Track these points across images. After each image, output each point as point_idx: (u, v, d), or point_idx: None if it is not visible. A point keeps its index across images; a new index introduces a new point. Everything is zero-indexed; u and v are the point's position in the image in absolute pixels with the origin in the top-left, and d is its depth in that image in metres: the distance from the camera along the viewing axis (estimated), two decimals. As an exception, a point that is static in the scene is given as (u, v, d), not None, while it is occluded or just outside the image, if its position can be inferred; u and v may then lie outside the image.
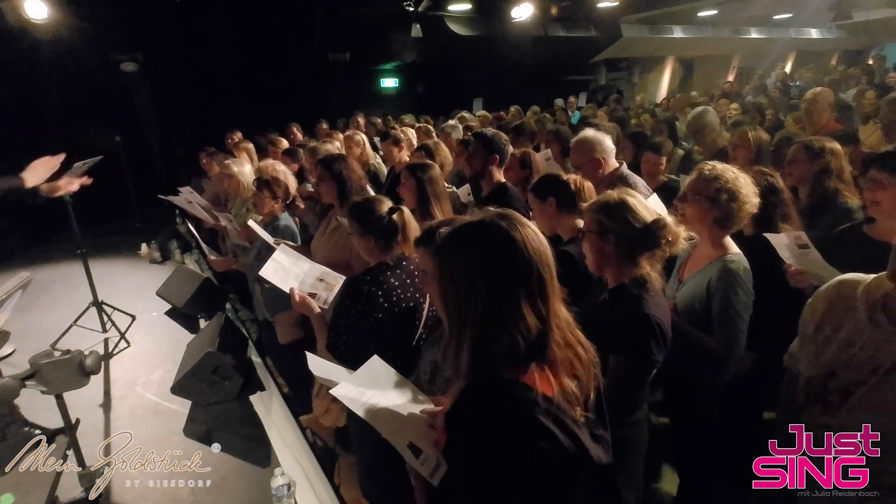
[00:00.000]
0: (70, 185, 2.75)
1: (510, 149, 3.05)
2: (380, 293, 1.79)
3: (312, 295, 2.04)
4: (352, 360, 1.57)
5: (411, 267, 1.90)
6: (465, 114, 6.98)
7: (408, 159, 3.85)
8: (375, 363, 1.42)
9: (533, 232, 1.00)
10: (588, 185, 2.23)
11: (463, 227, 1.01)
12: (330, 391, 1.32)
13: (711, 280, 1.86)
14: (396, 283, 1.84)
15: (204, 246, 3.44)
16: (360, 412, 1.26)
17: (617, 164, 2.80)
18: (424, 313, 1.87)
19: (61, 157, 2.59)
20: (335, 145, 4.17)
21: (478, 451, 0.95)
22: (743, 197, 1.84)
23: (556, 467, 0.94)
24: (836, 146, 2.51)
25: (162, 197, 4.08)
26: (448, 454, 1.09)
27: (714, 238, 1.92)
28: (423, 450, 1.19)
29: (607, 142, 2.78)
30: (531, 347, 0.96)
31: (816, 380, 1.33)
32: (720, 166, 1.89)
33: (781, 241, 2.00)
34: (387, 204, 1.93)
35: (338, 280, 2.11)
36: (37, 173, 2.49)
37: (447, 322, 1.02)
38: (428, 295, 1.87)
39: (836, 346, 1.29)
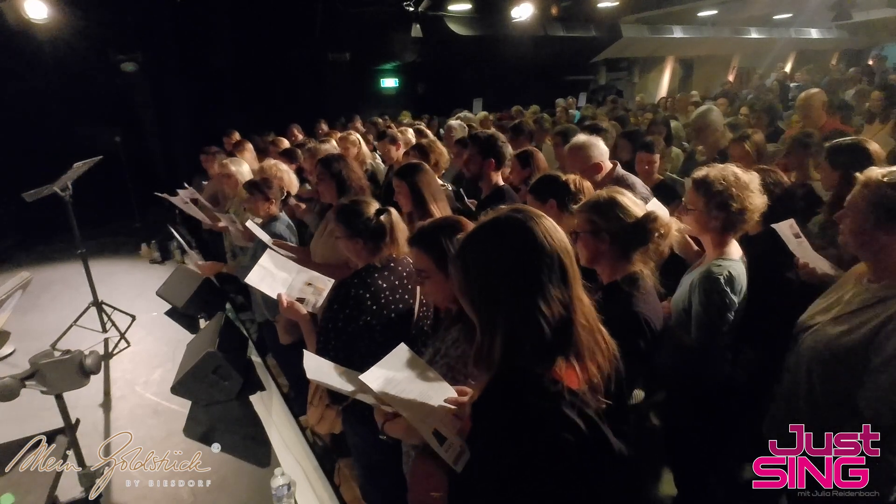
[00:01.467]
0: None
1: (508, 150, 3.03)
2: (367, 296, 1.77)
3: (301, 300, 2.01)
4: (343, 365, 1.56)
5: (400, 268, 1.88)
6: (466, 113, 6.97)
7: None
8: (401, 351, 1.43)
9: (549, 222, 1.04)
10: (588, 185, 2.23)
11: (480, 227, 1.05)
12: (359, 377, 1.32)
13: (693, 281, 1.87)
14: (385, 286, 1.82)
15: (190, 252, 3.43)
16: (388, 399, 1.27)
17: (611, 166, 2.80)
18: (416, 314, 1.85)
19: None
20: (332, 144, 4.17)
21: (502, 441, 0.97)
22: (742, 199, 1.80)
23: (580, 458, 0.96)
24: (876, 147, 2.39)
25: (159, 195, 4.06)
26: (472, 442, 1.11)
27: (717, 241, 1.90)
28: (447, 437, 1.20)
29: (601, 144, 2.78)
30: (557, 334, 0.98)
31: (800, 323, 1.67)
32: (713, 173, 1.84)
33: (785, 232, 2.00)
34: (374, 206, 1.91)
35: (326, 284, 2.08)
36: None
37: (477, 321, 1.04)
38: (419, 296, 1.85)
39: (829, 301, 1.63)
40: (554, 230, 1.03)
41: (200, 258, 3.44)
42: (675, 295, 2.00)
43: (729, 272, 1.82)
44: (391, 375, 1.33)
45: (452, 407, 1.24)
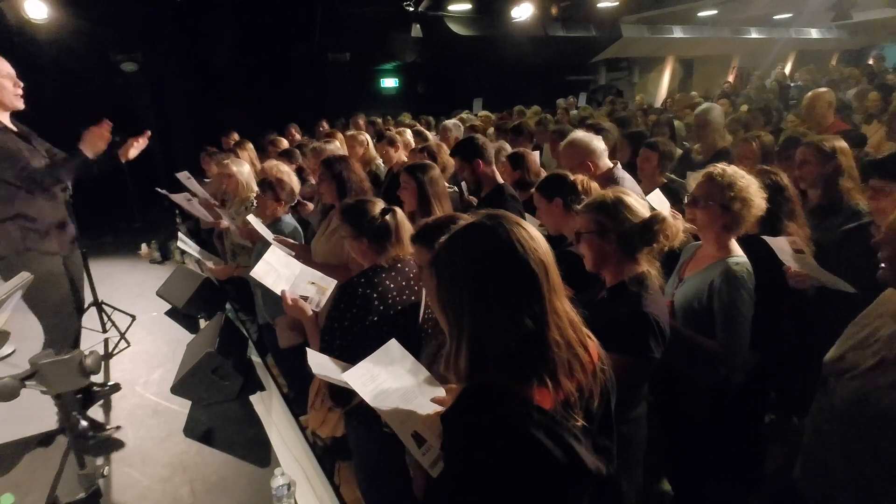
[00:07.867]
0: (134, 146, 2.89)
1: (490, 147, 3.00)
2: (375, 295, 1.77)
3: (304, 298, 2.01)
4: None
5: (406, 269, 1.87)
6: (465, 114, 6.97)
7: (405, 160, 3.85)
8: (392, 347, 1.42)
9: (524, 230, 0.97)
10: (594, 185, 2.22)
11: (453, 234, 1.00)
12: (342, 374, 1.31)
13: (714, 281, 1.86)
14: (392, 286, 1.81)
15: (197, 255, 3.42)
16: (367, 398, 1.26)
17: (610, 165, 2.79)
18: (421, 314, 1.85)
19: (109, 124, 2.71)
20: (335, 145, 4.17)
21: (466, 458, 0.94)
22: (753, 203, 1.85)
23: (546, 480, 0.92)
24: (844, 144, 2.46)
25: (160, 190, 4.05)
26: (444, 450, 1.08)
27: (720, 240, 1.92)
28: (426, 440, 1.19)
29: (596, 143, 2.76)
30: (527, 350, 0.93)
31: (830, 361, 1.47)
32: (730, 171, 1.88)
33: (780, 246, 2.01)
34: (379, 205, 1.91)
35: (329, 284, 2.07)
36: (93, 144, 2.59)
37: (446, 329, 1.01)
38: (425, 295, 1.85)
39: (863, 335, 1.42)
40: (528, 239, 0.95)
41: (212, 261, 3.42)
42: (679, 293, 1.99)
43: (747, 269, 1.86)
44: (376, 372, 1.33)
45: (437, 408, 1.22)
